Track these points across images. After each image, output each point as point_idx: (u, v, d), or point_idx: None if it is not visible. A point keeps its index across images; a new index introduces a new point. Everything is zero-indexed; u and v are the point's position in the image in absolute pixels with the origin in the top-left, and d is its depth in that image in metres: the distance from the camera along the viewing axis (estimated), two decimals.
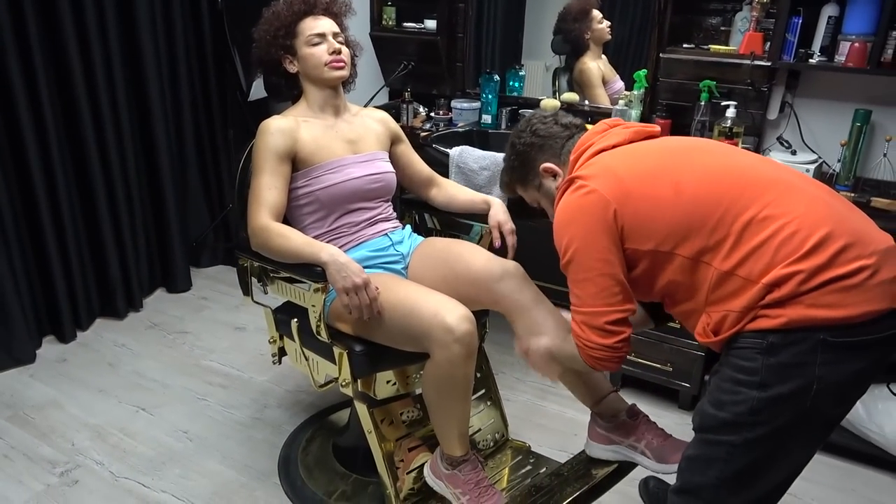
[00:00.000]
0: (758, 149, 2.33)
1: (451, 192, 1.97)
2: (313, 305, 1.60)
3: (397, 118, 2.54)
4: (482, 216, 1.92)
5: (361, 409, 1.69)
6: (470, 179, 2.27)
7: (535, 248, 1.97)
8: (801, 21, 2.07)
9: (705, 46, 2.32)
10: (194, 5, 2.96)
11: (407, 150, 1.95)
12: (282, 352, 1.91)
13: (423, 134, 2.58)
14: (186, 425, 2.18)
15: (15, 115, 2.37)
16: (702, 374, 2.23)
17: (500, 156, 2.24)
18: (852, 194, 2.04)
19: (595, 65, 2.70)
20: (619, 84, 2.64)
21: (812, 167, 2.13)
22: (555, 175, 1.40)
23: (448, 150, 2.33)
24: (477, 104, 2.75)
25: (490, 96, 2.67)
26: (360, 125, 1.83)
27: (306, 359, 1.76)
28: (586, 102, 2.66)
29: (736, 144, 2.13)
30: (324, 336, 1.62)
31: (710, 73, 2.26)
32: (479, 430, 1.94)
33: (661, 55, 2.34)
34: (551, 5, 2.69)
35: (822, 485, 1.98)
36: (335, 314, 1.67)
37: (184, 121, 3.05)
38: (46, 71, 2.42)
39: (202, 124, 3.14)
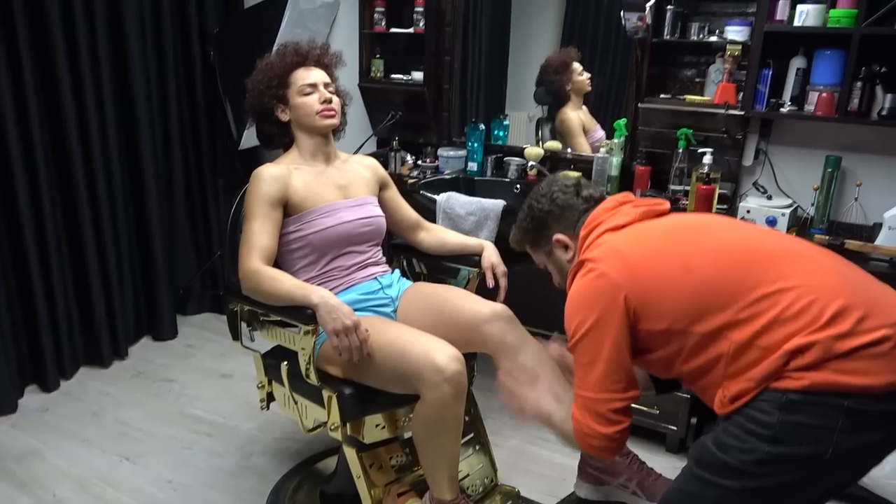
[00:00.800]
0: (735, 194, 2.40)
1: (441, 235, 2.01)
2: (303, 348, 1.61)
3: (385, 166, 2.59)
4: (469, 261, 1.96)
5: (350, 453, 1.69)
6: (457, 225, 2.31)
7: (524, 293, 2.00)
8: (771, 72, 2.17)
9: (681, 97, 2.41)
10: (187, 57, 3.04)
11: (395, 195, 1.99)
12: (270, 397, 1.90)
13: (411, 181, 2.64)
14: (171, 475, 2.15)
15: (6, 160, 2.40)
16: (688, 417, 2.25)
17: (487, 202, 2.31)
18: (827, 237, 2.10)
19: (576, 115, 2.79)
20: (600, 133, 2.73)
21: (787, 211, 2.20)
22: (566, 247, 1.42)
23: (435, 197, 2.38)
24: (463, 152, 2.82)
25: (476, 144, 2.75)
26: (350, 171, 1.88)
27: (295, 403, 1.75)
28: (569, 150, 2.74)
29: (713, 191, 2.20)
30: (313, 379, 1.62)
31: (687, 122, 2.35)
32: (468, 475, 1.92)
33: (639, 105, 2.43)
34: (533, 58, 2.80)
35: None
36: (325, 357, 1.68)
37: (174, 168, 3.09)
38: (40, 118, 2.47)
39: (192, 172, 3.18)
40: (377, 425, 1.70)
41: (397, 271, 1.95)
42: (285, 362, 1.70)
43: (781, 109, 2.19)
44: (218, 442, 2.33)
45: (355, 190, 1.85)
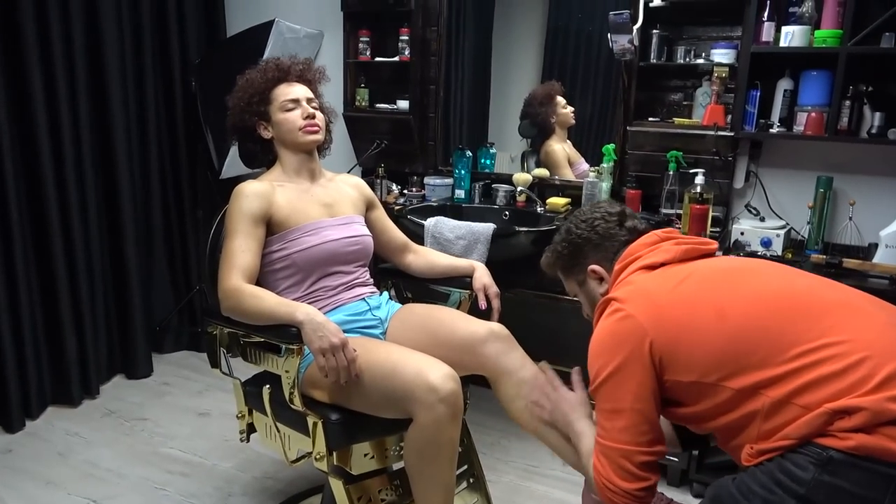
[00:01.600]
0: (727, 217, 2.37)
1: (430, 257, 1.94)
2: (287, 371, 1.51)
3: None
4: (460, 283, 1.89)
5: (336, 485, 1.57)
6: (446, 249, 2.25)
7: (519, 321, 1.92)
8: (759, 94, 2.17)
9: (669, 120, 2.40)
10: (167, 87, 3.00)
11: (382, 215, 1.93)
12: (250, 429, 1.79)
13: (397, 208, 2.58)
14: None
15: None
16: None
17: (477, 225, 2.25)
18: (823, 257, 2.07)
19: (561, 147, 2.78)
20: (585, 166, 2.71)
21: (781, 233, 2.17)
22: (601, 279, 1.32)
23: (423, 221, 2.32)
24: (449, 181, 2.77)
25: (463, 171, 2.70)
26: (336, 190, 1.82)
27: (278, 431, 1.64)
28: (556, 177, 2.70)
29: (707, 211, 2.17)
30: (297, 404, 1.52)
31: (677, 144, 2.33)
32: None
33: (628, 128, 2.41)
34: (513, 94, 2.80)
35: None
36: (310, 381, 1.58)
37: (152, 199, 3.00)
38: (12, 146, 2.37)
39: (171, 204, 3.10)
40: (366, 454, 1.60)
41: (386, 293, 1.87)
42: (268, 386, 1.59)
43: (771, 130, 2.18)
44: (193, 482, 2.19)
45: (341, 208, 1.78)
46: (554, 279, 1.47)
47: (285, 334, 1.46)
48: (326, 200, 1.76)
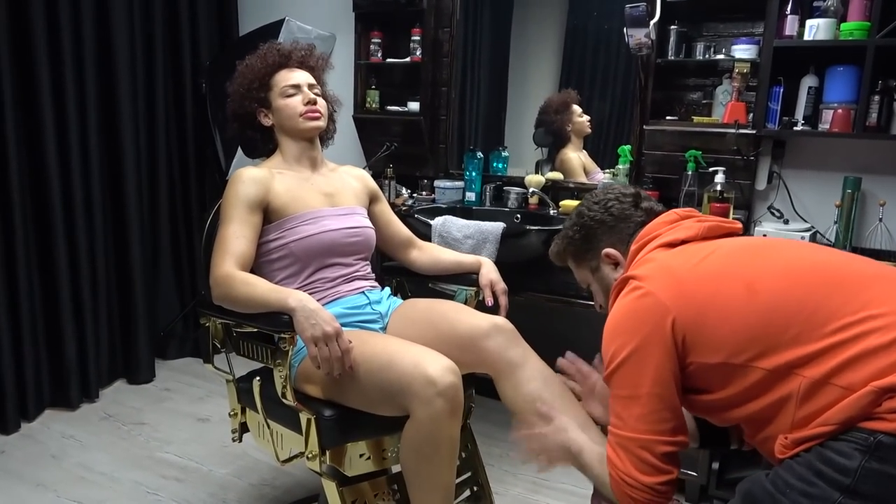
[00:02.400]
0: (748, 220, 2.27)
1: (435, 253, 1.86)
2: (279, 363, 1.43)
3: None
4: (466, 279, 1.80)
5: (330, 487, 1.48)
6: (454, 249, 2.16)
7: (530, 325, 1.82)
8: (782, 90, 2.08)
9: (688, 119, 2.31)
10: (178, 91, 2.97)
11: (385, 209, 1.86)
12: (243, 428, 1.70)
13: (405, 208, 2.51)
14: None
15: None
16: (710, 462, 2.03)
17: (486, 224, 2.17)
18: None
19: (576, 155, 2.70)
20: (601, 175, 2.62)
21: (807, 235, 2.07)
22: (616, 264, 1.23)
23: (430, 221, 2.24)
24: (460, 184, 2.70)
25: (474, 173, 2.63)
26: (338, 180, 1.75)
27: (269, 428, 1.55)
28: (570, 180, 2.62)
29: (728, 210, 2.07)
30: (290, 399, 1.43)
31: (695, 143, 2.24)
32: None
33: (644, 127, 2.32)
34: (530, 102, 2.72)
35: None
36: (303, 376, 1.50)
37: (159, 204, 2.96)
38: (18, 144, 2.34)
39: (178, 208, 3.05)
40: (361, 455, 1.50)
41: (388, 288, 1.79)
42: (257, 378, 1.51)
43: (795, 128, 2.08)
44: (188, 488, 2.10)
45: (343, 199, 1.71)
46: (564, 269, 1.38)
47: (276, 322, 1.38)
48: (327, 190, 1.70)
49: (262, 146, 1.75)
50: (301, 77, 1.68)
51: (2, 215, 2.34)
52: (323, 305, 1.55)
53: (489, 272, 1.75)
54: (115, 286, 2.82)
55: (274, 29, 2.62)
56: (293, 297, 1.36)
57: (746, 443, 1.28)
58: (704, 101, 2.31)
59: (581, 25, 2.64)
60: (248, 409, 1.67)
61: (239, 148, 2.66)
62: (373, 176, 2.88)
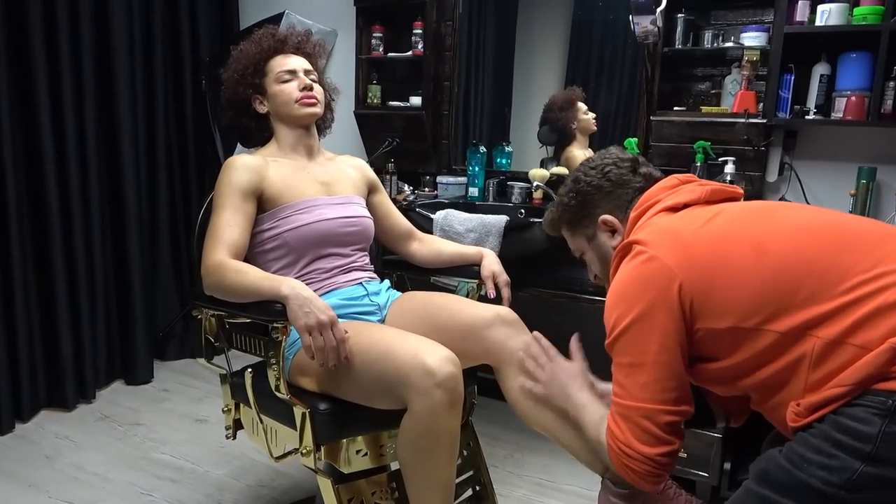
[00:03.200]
0: None
1: (436, 245, 1.80)
2: (272, 354, 1.37)
3: None
4: (468, 272, 1.75)
5: (325, 484, 1.41)
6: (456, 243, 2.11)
7: (535, 322, 1.76)
8: (793, 78, 2.02)
9: (696, 110, 2.25)
10: (177, 88, 2.94)
11: (384, 200, 1.80)
12: (237, 425, 1.65)
13: (405, 203, 2.46)
14: None
15: None
16: (721, 462, 1.96)
17: (489, 217, 2.11)
18: None
19: (582, 153, 2.63)
20: None
21: None
22: (613, 231, 1.18)
23: (431, 215, 2.19)
24: (463, 179, 2.65)
25: (477, 168, 2.58)
26: (335, 169, 1.70)
27: (261, 423, 1.50)
28: None
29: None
30: (283, 392, 1.38)
31: (704, 134, 2.18)
32: None
33: (652, 118, 2.26)
34: (537, 97, 2.67)
35: None
36: (298, 368, 1.44)
37: (158, 202, 2.92)
38: (13, 141, 2.30)
39: (178, 207, 3.01)
40: (358, 451, 1.44)
41: (387, 281, 1.73)
42: (249, 370, 1.45)
43: (806, 117, 2.02)
44: (182, 488, 2.04)
45: (340, 188, 1.66)
46: (570, 264, 1.32)
47: (269, 311, 1.32)
48: (324, 179, 1.64)
49: (258, 134, 1.70)
50: (297, 63, 1.63)
51: None
52: (319, 296, 1.50)
53: (491, 263, 1.69)
54: (113, 286, 2.78)
55: (273, 23, 2.58)
56: (286, 285, 1.31)
57: (734, 419, 1.23)
58: (713, 91, 2.26)
59: (587, 16, 2.59)
60: (242, 406, 1.61)
61: (238, 144, 2.61)
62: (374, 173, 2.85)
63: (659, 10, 2.09)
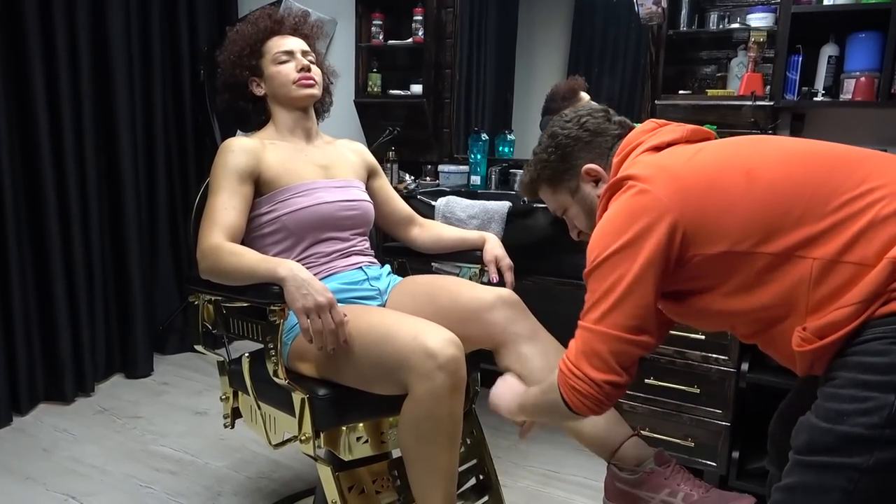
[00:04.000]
0: None
1: (437, 230, 1.77)
2: (269, 339, 1.34)
3: None
4: (470, 256, 1.71)
5: (325, 472, 1.38)
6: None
7: (538, 310, 1.73)
8: (801, 59, 1.98)
9: (702, 93, 2.22)
10: (176, 79, 2.91)
11: (385, 184, 1.77)
12: (236, 413, 1.61)
13: (406, 192, 2.42)
14: None
15: None
16: (729, 451, 1.92)
17: (491, 203, 2.08)
18: None
19: None
20: None
21: None
22: (597, 180, 1.16)
23: (433, 202, 2.15)
24: (465, 168, 2.61)
25: (479, 156, 2.54)
26: (334, 152, 1.67)
27: (259, 410, 1.46)
28: None
29: None
30: (281, 377, 1.34)
31: (710, 118, 2.14)
32: None
33: (656, 102, 2.22)
34: (539, 84, 2.62)
35: None
36: (296, 353, 1.41)
37: (157, 194, 2.89)
38: (10, 131, 2.28)
39: (177, 197, 2.98)
40: (358, 438, 1.40)
41: (387, 266, 1.69)
42: (246, 354, 1.42)
43: (815, 98, 1.98)
44: (182, 481, 2.01)
45: (339, 171, 1.63)
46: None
47: (266, 293, 1.29)
48: (323, 162, 1.61)
49: (255, 118, 1.67)
50: (294, 43, 1.60)
51: None
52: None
53: (494, 247, 1.66)
54: (112, 279, 2.75)
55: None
56: (283, 267, 1.27)
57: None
58: (719, 75, 2.22)
59: (589, 2, 2.55)
60: (240, 394, 1.58)
61: (238, 131, 2.58)
62: None
63: None
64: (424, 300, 1.49)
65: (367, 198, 1.65)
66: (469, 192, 2.48)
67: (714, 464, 1.93)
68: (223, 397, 1.61)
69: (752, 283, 0.94)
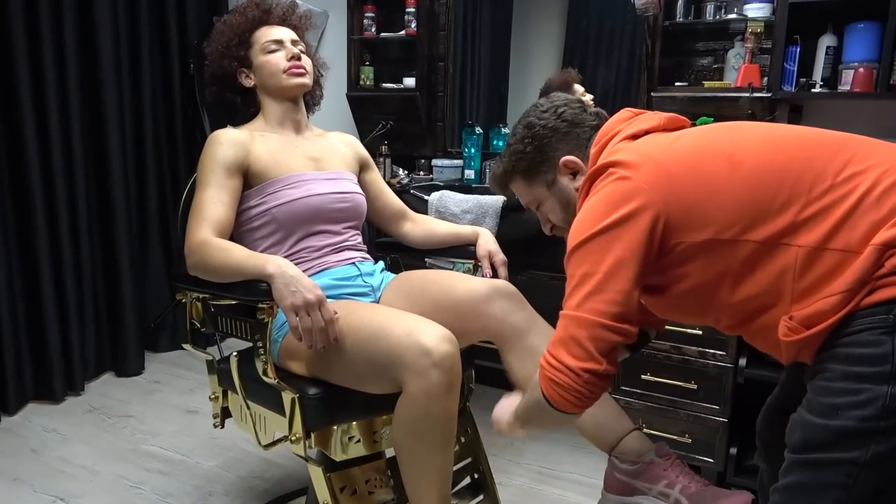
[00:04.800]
0: None
1: (429, 225, 1.74)
2: (258, 337, 1.31)
3: None
4: (463, 252, 1.68)
5: (316, 473, 1.35)
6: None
7: (533, 306, 1.70)
8: (798, 50, 1.96)
9: (698, 85, 2.19)
10: (165, 73, 2.86)
11: (377, 178, 1.73)
12: (225, 413, 1.58)
13: (399, 186, 2.39)
14: None
15: None
16: (727, 447, 1.90)
17: (485, 198, 2.05)
18: None
19: None
20: None
21: None
22: (575, 172, 1.14)
23: (426, 197, 2.12)
24: (459, 162, 2.58)
25: (473, 150, 2.51)
26: (326, 145, 1.63)
27: (248, 409, 1.43)
28: None
29: None
30: (270, 376, 1.31)
31: (707, 110, 2.11)
32: None
33: (652, 94, 2.20)
34: (535, 76, 2.59)
35: None
36: (287, 351, 1.38)
37: (147, 188, 2.84)
38: None
39: (167, 192, 2.94)
40: (350, 437, 1.38)
41: (381, 262, 1.66)
42: (235, 353, 1.39)
43: (813, 89, 1.96)
44: (172, 481, 1.98)
45: (330, 163, 1.59)
46: (503, 191, 1.27)
47: (254, 290, 1.25)
48: (314, 154, 1.58)
49: (243, 110, 1.63)
50: (284, 33, 1.57)
51: None
52: (310, 276, 1.44)
53: (487, 242, 1.63)
54: (102, 276, 2.71)
55: None
56: (272, 263, 1.24)
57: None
58: (715, 66, 2.19)
59: None
60: (229, 393, 1.55)
61: (229, 126, 2.54)
62: None
63: None
64: (418, 295, 1.46)
65: (360, 190, 1.62)
66: (463, 187, 2.45)
67: (712, 460, 1.91)
68: (212, 396, 1.58)
69: (738, 273, 0.92)
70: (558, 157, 1.13)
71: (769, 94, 1.99)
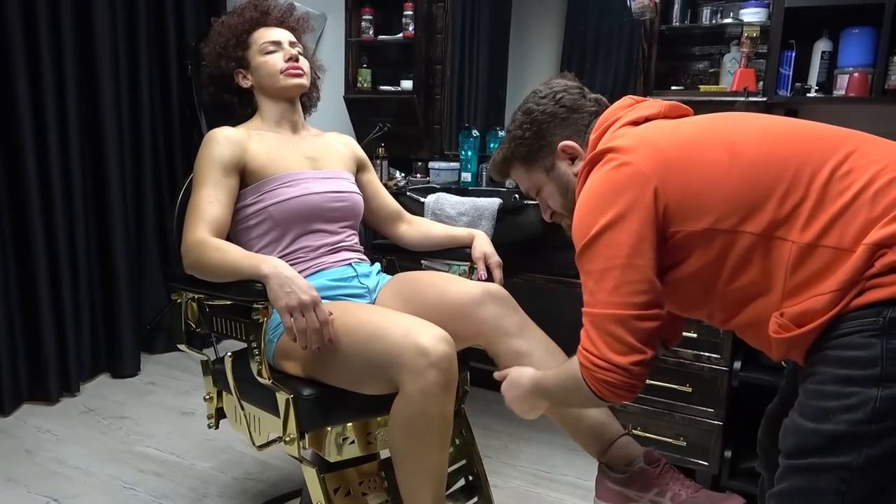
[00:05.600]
0: None
1: (425, 227, 1.74)
2: (253, 338, 1.31)
3: None
4: (459, 254, 1.68)
5: (310, 474, 1.35)
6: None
7: (529, 308, 1.70)
8: (794, 54, 1.96)
9: (694, 89, 2.20)
10: (163, 74, 2.86)
11: (373, 179, 1.74)
12: (220, 414, 1.58)
13: (395, 189, 2.39)
14: None
15: None
16: (721, 450, 1.90)
17: (481, 200, 2.05)
18: None
19: None
20: None
21: None
22: (573, 157, 1.14)
23: (422, 199, 2.13)
24: (456, 165, 2.59)
25: (469, 153, 2.52)
26: (323, 144, 1.64)
27: (242, 410, 1.43)
28: None
29: None
30: (265, 377, 1.31)
31: (703, 113, 2.11)
32: None
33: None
34: (533, 79, 2.59)
35: None
36: (282, 352, 1.38)
37: (144, 189, 2.84)
38: None
39: (164, 193, 2.94)
40: (345, 439, 1.38)
41: (377, 264, 1.66)
42: (229, 354, 1.39)
43: (808, 94, 1.96)
44: (167, 482, 1.98)
45: (327, 163, 1.60)
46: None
47: (249, 291, 1.25)
48: (311, 153, 1.58)
49: (240, 110, 1.64)
50: (281, 34, 1.58)
51: None
52: (306, 277, 1.45)
53: (482, 245, 1.63)
54: (98, 276, 2.70)
55: None
56: (267, 264, 1.24)
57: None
58: (711, 70, 2.20)
59: None
60: (224, 393, 1.55)
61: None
62: None
63: None
64: (412, 297, 1.46)
65: (357, 190, 1.62)
66: (459, 189, 2.45)
67: (706, 463, 1.91)
68: (207, 397, 1.58)
69: (734, 265, 0.93)
70: (557, 142, 1.14)
71: (764, 99, 2.00)
